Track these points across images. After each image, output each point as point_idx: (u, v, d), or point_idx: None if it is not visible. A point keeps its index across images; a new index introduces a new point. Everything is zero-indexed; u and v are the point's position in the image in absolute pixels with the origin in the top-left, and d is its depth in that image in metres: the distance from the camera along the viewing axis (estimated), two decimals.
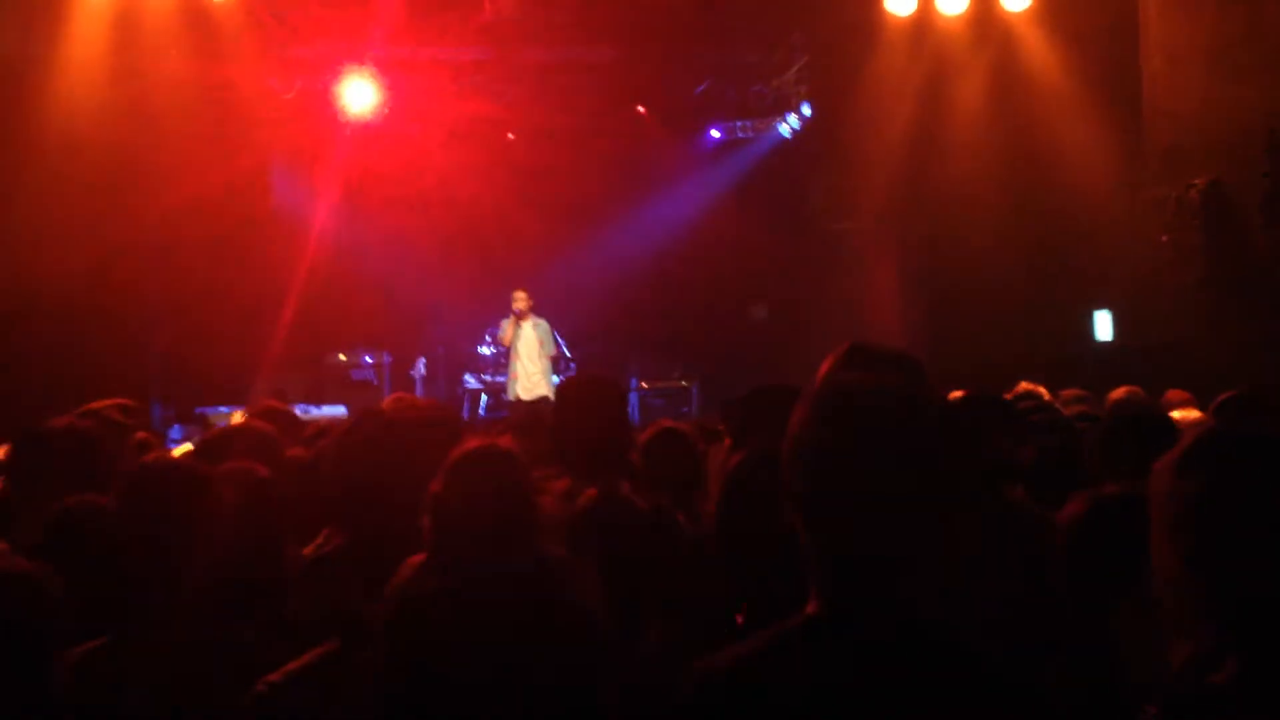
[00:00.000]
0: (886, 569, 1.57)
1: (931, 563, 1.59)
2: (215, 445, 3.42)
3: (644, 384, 13.79)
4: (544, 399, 10.59)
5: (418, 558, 2.13)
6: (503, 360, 13.79)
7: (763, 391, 2.98)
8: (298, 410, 10.09)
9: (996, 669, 1.58)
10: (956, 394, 3.02)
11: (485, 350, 14.03)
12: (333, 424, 3.93)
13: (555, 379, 11.31)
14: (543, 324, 11.61)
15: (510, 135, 14.09)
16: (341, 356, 12.90)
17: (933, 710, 1.52)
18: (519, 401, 11.32)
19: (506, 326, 11.48)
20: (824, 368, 2.41)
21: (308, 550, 3.00)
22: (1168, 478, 1.64)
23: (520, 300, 11.38)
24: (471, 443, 2.14)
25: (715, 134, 14.56)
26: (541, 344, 11.50)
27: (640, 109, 13.79)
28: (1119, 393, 5.26)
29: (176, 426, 9.32)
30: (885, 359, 2.66)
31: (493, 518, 2.08)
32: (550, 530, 2.28)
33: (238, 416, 6.28)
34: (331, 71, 12.27)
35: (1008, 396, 4.74)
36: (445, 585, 2.03)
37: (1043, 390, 5.00)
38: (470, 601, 2.02)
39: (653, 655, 2.36)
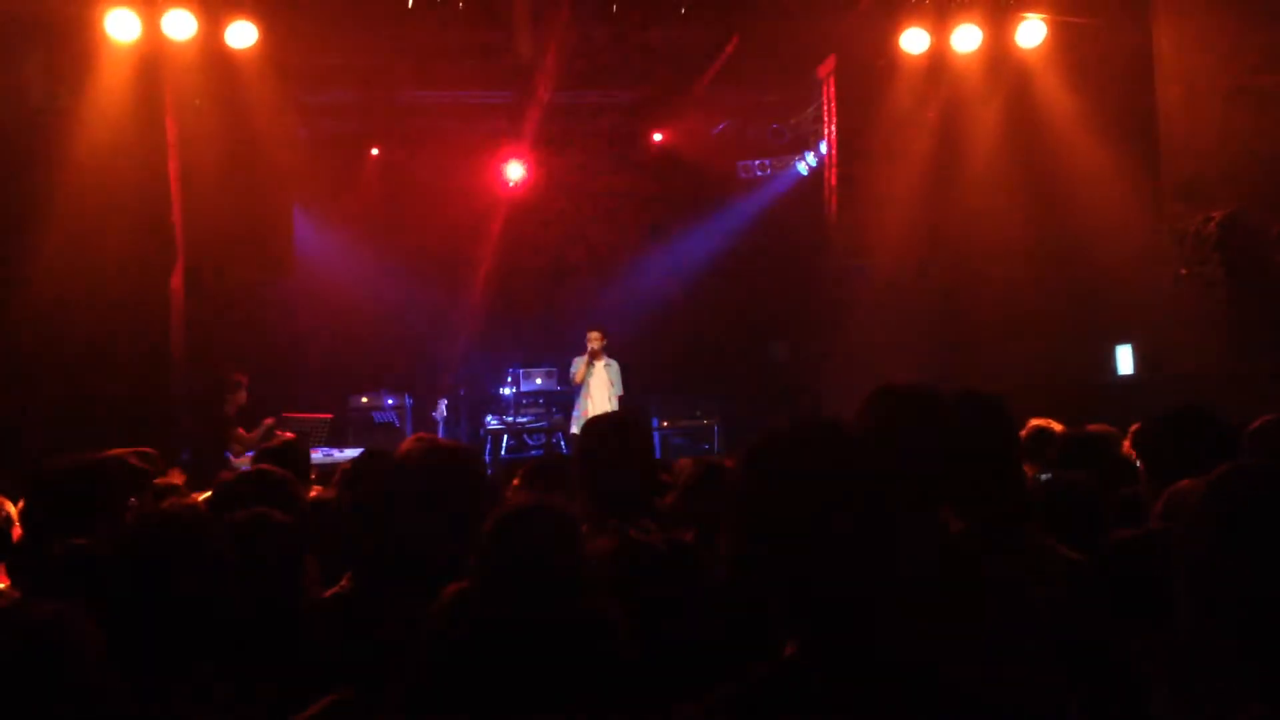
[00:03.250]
0: (845, 612, 1.57)
1: (893, 604, 1.59)
2: (229, 490, 3.43)
3: (665, 422, 13.75)
4: None
5: (457, 586, 2.10)
6: (524, 401, 13.79)
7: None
8: (321, 454, 10.21)
9: (981, 706, 1.57)
10: None
11: (506, 391, 14.05)
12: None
13: None
14: (614, 365, 11.81)
15: (520, 164, 13.97)
16: (363, 399, 12.93)
17: None
18: None
19: (580, 365, 11.69)
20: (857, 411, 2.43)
21: (329, 593, 2.99)
22: (1187, 520, 1.63)
23: (595, 340, 11.64)
24: (526, 498, 2.12)
25: (743, 175, 14.56)
26: (612, 384, 11.70)
27: (657, 136, 13.81)
28: None
29: None
30: (909, 399, 2.67)
31: (539, 573, 2.06)
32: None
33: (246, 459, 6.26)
34: (354, 116, 12.40)
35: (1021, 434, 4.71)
36: (490, 614, 2.01)
37: (1056, 425, 4.97)
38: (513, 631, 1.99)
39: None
